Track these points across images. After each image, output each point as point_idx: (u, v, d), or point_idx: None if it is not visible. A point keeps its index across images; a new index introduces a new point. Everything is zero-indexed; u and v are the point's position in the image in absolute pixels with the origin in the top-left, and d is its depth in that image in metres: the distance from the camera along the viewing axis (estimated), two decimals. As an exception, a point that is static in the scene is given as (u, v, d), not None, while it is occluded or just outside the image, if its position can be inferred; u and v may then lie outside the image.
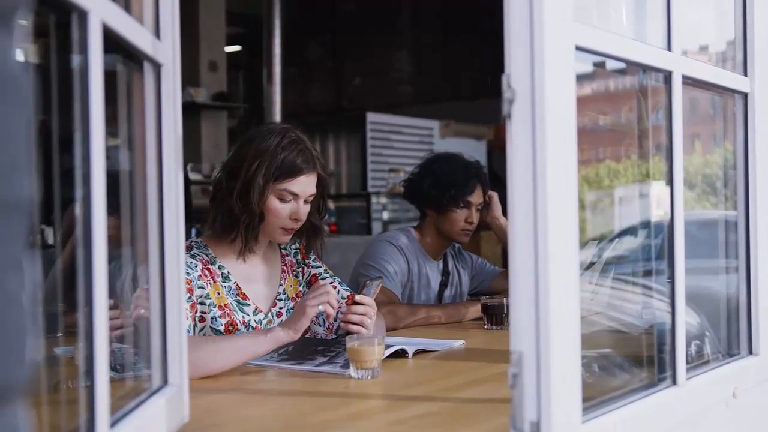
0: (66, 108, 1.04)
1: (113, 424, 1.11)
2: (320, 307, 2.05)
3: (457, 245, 3.28)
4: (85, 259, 1.03)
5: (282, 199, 2.25)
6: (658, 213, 2.02)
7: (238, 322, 2.24)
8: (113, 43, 1.13)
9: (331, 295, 2.08)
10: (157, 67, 1.37)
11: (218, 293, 2.24)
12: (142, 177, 1.38)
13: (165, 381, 1.40)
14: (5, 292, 0.56)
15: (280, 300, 2.39)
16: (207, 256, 2.27)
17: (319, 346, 2.19)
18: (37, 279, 0.61)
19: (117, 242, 1.32)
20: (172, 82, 1.41)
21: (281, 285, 2.41)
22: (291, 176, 2.24)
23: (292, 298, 2.41)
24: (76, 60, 1.03)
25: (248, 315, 2.28)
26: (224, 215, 2.26)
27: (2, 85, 0.54)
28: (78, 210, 1.03)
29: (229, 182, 2.26)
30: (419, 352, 2.24)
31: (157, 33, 1.38)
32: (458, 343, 2.42)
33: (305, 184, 2.27)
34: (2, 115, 0.54)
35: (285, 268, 2.44)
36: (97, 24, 1.03)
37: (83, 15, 1.01)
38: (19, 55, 0.59)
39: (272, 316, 2.34)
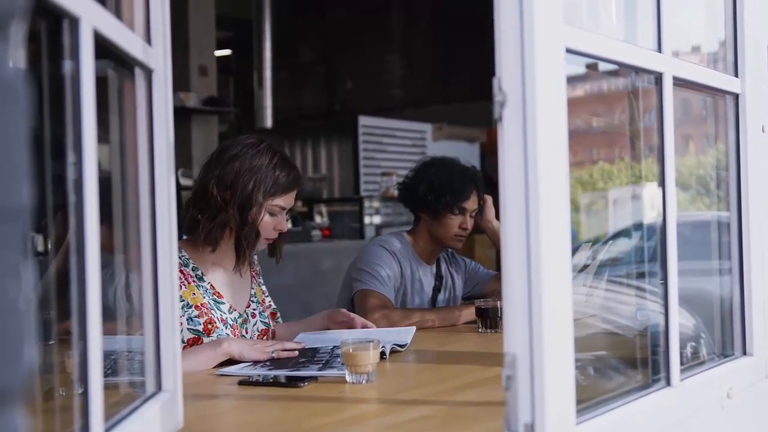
0: (57, 114, 1.04)
1: (107, 430, 1.11)
2: (273, 354, 2.17)
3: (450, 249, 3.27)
4: (78, 265, 1.02)
5: (271, 214, 2.37)
6: (651, 215, 2.02)
7: (216, 319, 2.32)
8: (103, 48, 1.13)
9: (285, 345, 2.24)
10: (148, 72, 1.37)
11: (194, 294, 2.31)
12: (134, 183, 1.38)
13: (159, 387, 1.40)
14: (4, 298, 0.56)
15: (253, 302, 2.50)
16: (180, 258, 2.32)
17: (306, 354, 2.18)
18: (34, 284, 0.61)
19: (108, 250, 1.32)
20: (164, 88, 1.40)
21: (252, 288, 2.52)
22: (284, 193, 2.37)
23: (261, 302, 2.54)
24: (67, 66, 1.03)
25: (225, 313, 2.36)
26: (219, 228, 2.32)
27: (0, 92, 0.54)
28: (71, 216, 1.03)
29: (222, 195, 2.30)
30: (394, 352, 2.27)
31: (148, 39, 1.37)
32: (411, 330, 2.48)
33: (292, 198, 2.42)
34: (0, 121, 0.54)
35: (254, 274, 2.56)
36: (88, 30, 1.03)
37: (75, 21, 1.01)
38: (15, 62, 0.59)
39: (247, 316, 2.45)
